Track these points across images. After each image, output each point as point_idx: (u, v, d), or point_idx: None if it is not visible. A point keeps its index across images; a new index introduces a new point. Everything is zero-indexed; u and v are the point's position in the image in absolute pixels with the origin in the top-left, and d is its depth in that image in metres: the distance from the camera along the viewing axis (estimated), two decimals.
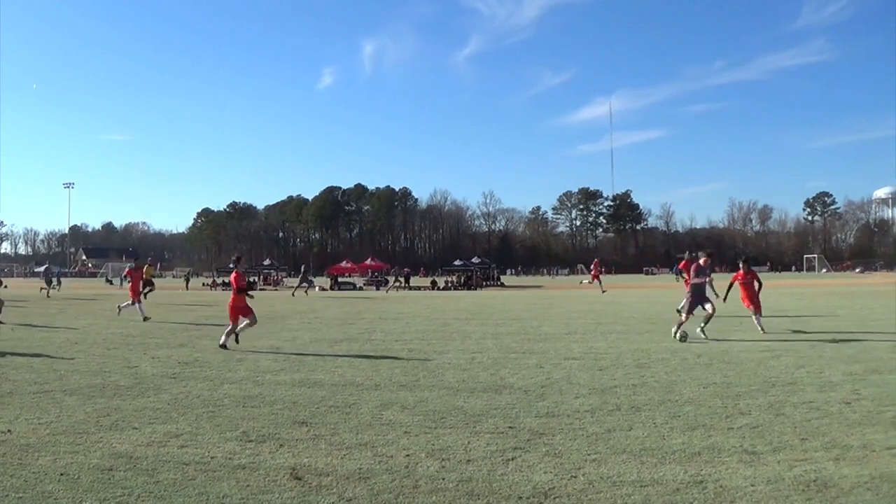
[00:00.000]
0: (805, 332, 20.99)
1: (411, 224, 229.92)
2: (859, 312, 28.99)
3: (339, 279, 79.59)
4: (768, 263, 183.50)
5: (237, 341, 18.75)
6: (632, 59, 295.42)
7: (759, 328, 20.40)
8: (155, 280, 44.77)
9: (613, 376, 13.53)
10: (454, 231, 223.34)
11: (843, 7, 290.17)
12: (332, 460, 7.84)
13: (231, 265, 20.13)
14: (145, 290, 38.73)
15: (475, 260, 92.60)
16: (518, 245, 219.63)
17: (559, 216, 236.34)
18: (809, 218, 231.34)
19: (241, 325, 18.86)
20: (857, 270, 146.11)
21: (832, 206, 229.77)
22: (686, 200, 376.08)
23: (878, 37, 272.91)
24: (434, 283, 77.20)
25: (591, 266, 57.39)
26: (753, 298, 21.11)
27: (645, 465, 7.66)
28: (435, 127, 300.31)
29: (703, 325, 19.30)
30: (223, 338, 18.49)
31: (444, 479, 7.18)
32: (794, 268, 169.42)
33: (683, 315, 19.50)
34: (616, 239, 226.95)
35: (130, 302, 28.87)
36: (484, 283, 78.21)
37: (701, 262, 19.80)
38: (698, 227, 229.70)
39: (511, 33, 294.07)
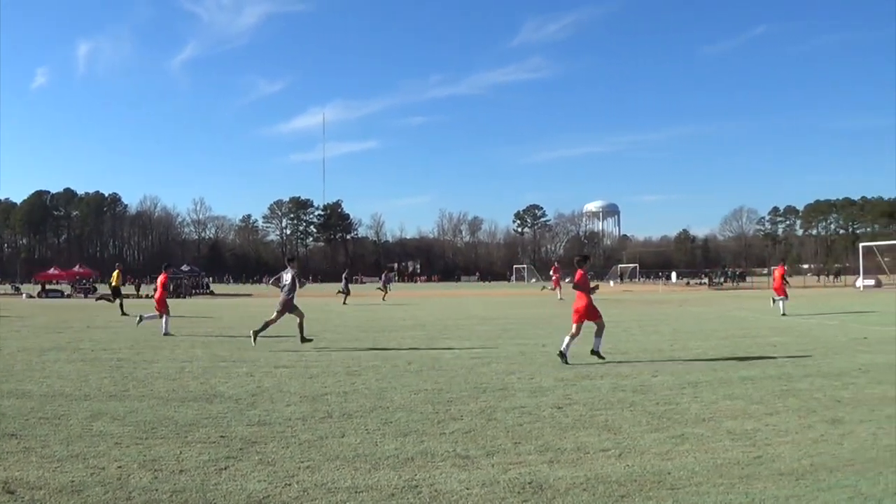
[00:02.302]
0: (517, 339, 21.72)
1: (120, 231, 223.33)
2: (568, 320, 30.08)
3: (48, 286, 77.42)
4: (477, 273, 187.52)
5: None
6: (348, 70, 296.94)
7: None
8: None
9: (324, 384, 13.66)
10: (164, 238, 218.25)
11: (562, 27, 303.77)
12: (43, 473, 7.59)
13: (577, 263, 18.18)
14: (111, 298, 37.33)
15: (185, 268, 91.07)
16: (228, 253, 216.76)
17: (270, 224, 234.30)
18: (520, 230, 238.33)
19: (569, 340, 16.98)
20: (567, 281, 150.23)
21: (542, 219, 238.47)
22: (397, 211, 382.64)
23: (594, 57, 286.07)
24: (137, 288, 75.98)
25: (552, 271, 58.06)
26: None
27: (359, 471, 7.74)
28: (147, 132, 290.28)
29: None
30: (565, 343, 16.82)
31: (156, 490, 7.07)
32: (512, 278, 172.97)
33: None
34: (326, 248, 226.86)
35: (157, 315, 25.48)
36: (193, 292, 77.21)
37: None
38: (408, 237, 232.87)
39: (228, 40, 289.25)
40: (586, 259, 18.41)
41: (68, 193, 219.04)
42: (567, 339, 16.98)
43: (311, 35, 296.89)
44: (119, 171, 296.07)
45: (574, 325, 17.16)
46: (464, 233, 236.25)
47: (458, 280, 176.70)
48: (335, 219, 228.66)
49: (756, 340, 21.15)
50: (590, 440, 9.09)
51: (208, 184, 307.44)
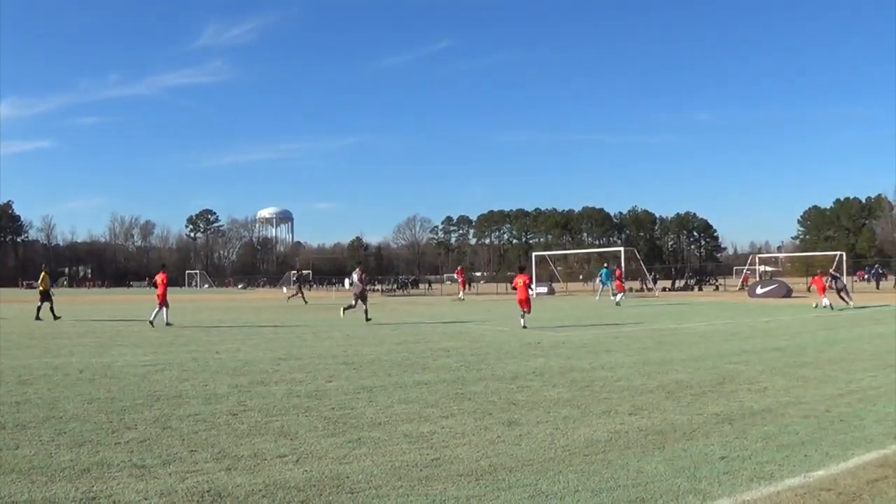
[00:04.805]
0: (190, 346, 21.56)
1: None
2: (241, 327, 30.14)
3: None
4: (147, 279, 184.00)
5: None
6: (23, 64, 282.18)
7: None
8: None
9: None
10: None
11: (247, 31, 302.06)
12: None
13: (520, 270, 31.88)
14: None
15: None
16: None
17: None
18: (192, 235, 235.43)
19: None
20: (240, 287, 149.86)
21: (216, 224, 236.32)
22: (70, 213, 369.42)
23: (272, 63, 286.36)
24: None
25: (456, 274, 60.12)
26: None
27: (35, 483, 7.55)
28: None
29: None
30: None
31: None
32: (194, 283, 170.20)
33: None
34: None
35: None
36: None
37: None
38: (80, 240, 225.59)
39: None
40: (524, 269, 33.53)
41: None
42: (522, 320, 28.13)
43: None
44: None
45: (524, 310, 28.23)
46: (136, 237, 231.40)
47: (130, 286, 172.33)
48: (5, 220, 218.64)
49: (430, 346, 21.90)
50: (266, 446, 9.19)
51: None
